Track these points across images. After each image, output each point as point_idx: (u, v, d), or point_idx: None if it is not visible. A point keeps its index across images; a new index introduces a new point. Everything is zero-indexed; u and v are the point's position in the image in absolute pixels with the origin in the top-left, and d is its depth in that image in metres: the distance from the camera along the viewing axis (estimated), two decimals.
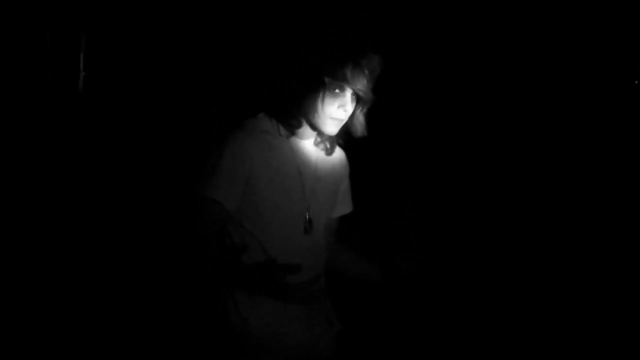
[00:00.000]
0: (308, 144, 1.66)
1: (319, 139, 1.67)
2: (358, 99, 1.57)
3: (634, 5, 2.67)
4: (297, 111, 1.57)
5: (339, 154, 1.75)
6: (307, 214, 1.62)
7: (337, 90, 1.52)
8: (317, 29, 1.59)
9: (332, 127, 1.57)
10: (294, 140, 1.63)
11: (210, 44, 2.68)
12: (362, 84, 1.52)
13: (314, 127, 1.60)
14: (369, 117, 1.63)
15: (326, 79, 1.50)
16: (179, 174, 2.53)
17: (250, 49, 2.66)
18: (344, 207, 1.80)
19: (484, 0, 2.78)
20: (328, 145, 1.68)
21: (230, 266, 1.58)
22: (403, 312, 2.40)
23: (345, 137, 1.68)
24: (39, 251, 2.56)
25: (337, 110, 1.54)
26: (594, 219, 2.58)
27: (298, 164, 1.61)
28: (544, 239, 2.60)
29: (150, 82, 2.64)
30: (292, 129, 1.60)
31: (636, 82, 2.72)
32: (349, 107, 1.55)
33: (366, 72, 1.52)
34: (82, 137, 2.59)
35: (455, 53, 2.81)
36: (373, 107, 1.63)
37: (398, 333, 2.37)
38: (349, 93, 1.54)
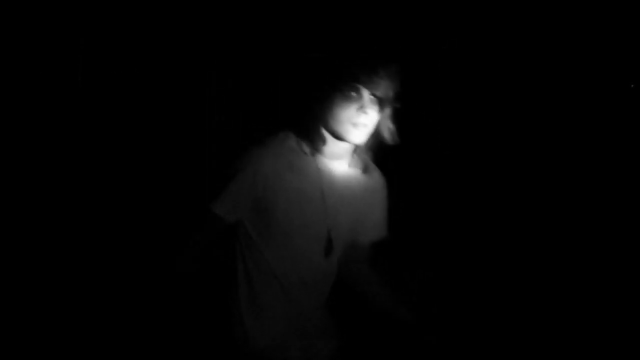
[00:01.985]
0: (339, 165, 1.59)
1: (353, 161, 1.61)
2: (381, 102, 1.48)
3: (633, 6, 2.67)
4: (315, 122, 1.51)
5: (376, 177, 1.67)
6: (329, 235, 1.56)
7: (353, 93, 1.46)
8: (329, 36, 1.55)
9: (356, 135, 1.49)
10: (321, 160, 1.56)
11: (233, 56, 2.63)
12: (376, 84, 1.45)
13: (338, 137, 1.51)
14: (399, 124, 1.55)
15: (339, 83, 1.45)
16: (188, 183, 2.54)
17: (270, 58, 2.61)
18: (377, 232, 1.70)
19: (485, 1, 2.77)
20: (363, 165, 1.61)
21: (242, 281, 1.58)
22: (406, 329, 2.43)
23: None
24: (38, 251, 2.56)
25: (356, 114, 1.46)
26: (594, 221, 2.61)
27: (322, 185, 1.55)
28: (545, 242, 2.63)
29: (161, 90, 2.63)
30: (315, 145, 1.53)
31: (632, 85, 2.74)
32: (370, 110, 1.47)
33: (381, 72, 1.46)
34: (84, 138, 2.58)
35: (455, 55, 2.81)
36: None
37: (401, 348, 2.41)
38: (366, 94, 1.46)
